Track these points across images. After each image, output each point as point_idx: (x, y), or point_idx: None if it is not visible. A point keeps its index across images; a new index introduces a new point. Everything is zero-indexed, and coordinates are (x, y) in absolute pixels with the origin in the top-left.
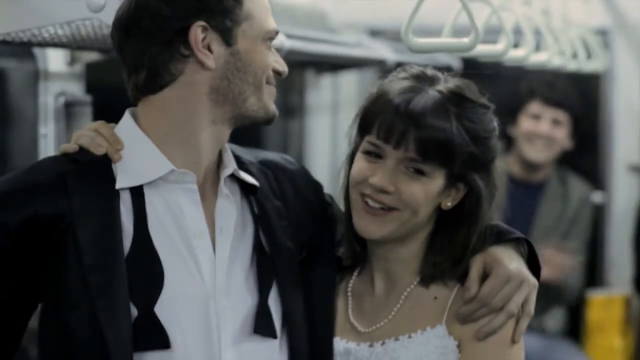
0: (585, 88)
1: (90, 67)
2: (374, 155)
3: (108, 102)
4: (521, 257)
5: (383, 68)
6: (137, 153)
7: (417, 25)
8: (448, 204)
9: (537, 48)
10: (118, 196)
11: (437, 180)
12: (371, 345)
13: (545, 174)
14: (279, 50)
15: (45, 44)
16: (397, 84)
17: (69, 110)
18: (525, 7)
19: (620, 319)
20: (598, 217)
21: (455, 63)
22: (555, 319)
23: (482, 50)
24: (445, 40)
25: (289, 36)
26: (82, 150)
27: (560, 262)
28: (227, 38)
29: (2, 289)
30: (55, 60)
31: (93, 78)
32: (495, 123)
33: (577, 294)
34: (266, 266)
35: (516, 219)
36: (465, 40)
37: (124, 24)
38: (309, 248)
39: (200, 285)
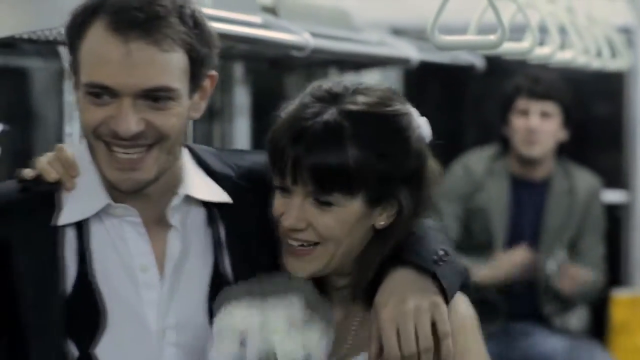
0: (609, 86)
1: None
2: (284, 191)
3: None
4: (420, 275)
5: (406, 67)
6: (85, 183)
7: (441, 23)
8: (381, 223)
9: (562, 46)
10: (62, 231)
11: (351, 207)
12: None
13: (547, 169)
14: (302, 49)
15: None
16: (296, 112)
17: None
18: (550, 5)
19: None
20: (622, 216)
21: (478, 61)
22: (579, 318)
23: (508, 48)
24: (471, 37)
25: (313, 35)
26: (39, 176)
27: (576, 275)
28: (76, 82)
29: None
30: None
31: None
32: (412, 130)
33: (597, 292)
34: None
35: (524, 220)
36: (492, 37)
37: None
38: None
39: (144, 323)
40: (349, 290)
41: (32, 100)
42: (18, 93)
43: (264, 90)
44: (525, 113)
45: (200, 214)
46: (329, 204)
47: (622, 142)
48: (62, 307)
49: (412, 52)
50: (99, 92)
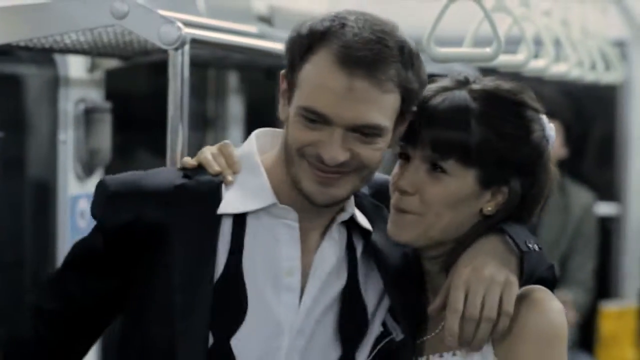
0: (602, 99)
1: (110, 74)
2: (405, 158)
3: (128, 109)
4: (508, 250)
5: None
6: (248, 180)
7: (437, 35)
8: (489, 209)
9: (556, 59)
10: (219, 221)
11: (463, 181)
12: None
13: None
14: None
15: (66, 50)
16: (432, 87)
17: (88, 117)
18: (545, 18)
19: (633, 330)
20: (612, 229)
21: (473, 73)
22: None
23: (504, 60)
24: (467, 50)
25: None
26: (199, 167)
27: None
28: (289, 96)
29: (89, 290)
30: (75, 66)
31: (113, 85)
32: (537, 124)
33: (583, 312)
34: (359, 318)
35: None
36: (488, 50)
37: None
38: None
39: (278, 325)
40: (440, 260)
41: (26, 108)
42: (12, 100)
43: (258, 100)
44: None
45: (342, 232)
46: (442, 171)
47: (614, 154)
48: (209, 294)
49: None
50: (313, 118)
